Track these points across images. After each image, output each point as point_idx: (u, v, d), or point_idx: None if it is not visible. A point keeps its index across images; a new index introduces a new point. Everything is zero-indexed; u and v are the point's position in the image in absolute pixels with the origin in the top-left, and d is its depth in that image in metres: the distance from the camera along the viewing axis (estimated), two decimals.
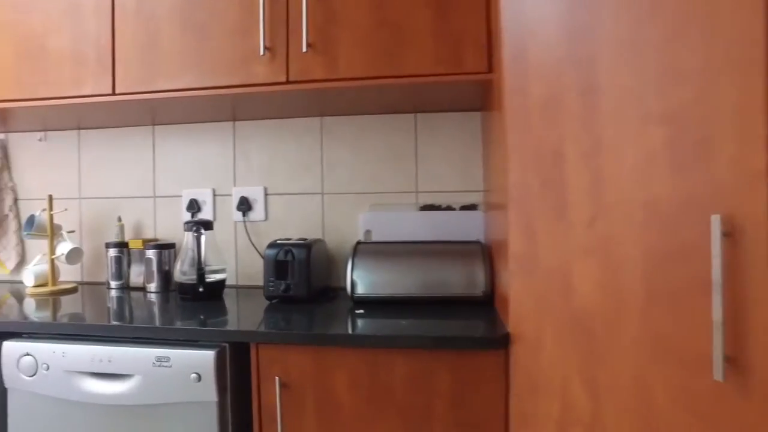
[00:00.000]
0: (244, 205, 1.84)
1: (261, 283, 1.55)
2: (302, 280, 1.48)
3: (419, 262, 1.44)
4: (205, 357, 1.16)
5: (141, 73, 1.48)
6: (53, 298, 1.67)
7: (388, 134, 1.74)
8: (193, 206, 1.88)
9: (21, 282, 1.91)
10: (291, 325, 1.22)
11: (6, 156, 2.08)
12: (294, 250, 1.49)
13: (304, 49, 1.35)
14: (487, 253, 1.43)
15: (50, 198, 1.78)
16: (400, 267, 1.44)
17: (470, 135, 1.71)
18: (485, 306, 1.37)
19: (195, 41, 1.44)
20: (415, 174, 1.74)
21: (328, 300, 1.53)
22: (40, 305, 1.54)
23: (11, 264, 2.04)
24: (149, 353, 1.19)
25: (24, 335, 1.33)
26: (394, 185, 1.75)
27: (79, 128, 1.99)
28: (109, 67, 1.50)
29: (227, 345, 1.20)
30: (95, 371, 1.22)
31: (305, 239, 1.59)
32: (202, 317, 1.32)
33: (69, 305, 1.53)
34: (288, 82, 1.39)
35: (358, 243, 1.53)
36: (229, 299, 1.58)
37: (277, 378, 1.16)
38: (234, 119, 1.83)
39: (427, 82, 1.33)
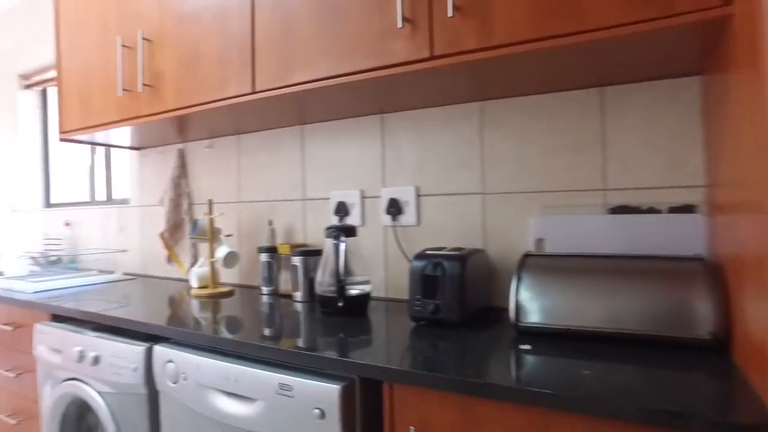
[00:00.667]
0: (394, 208, 1.64)
1: None
2: (454, 300, 1.21)
3: (610, 284, 1.06)
4: (329, 391, 0.96)
5: (278, 68, 1.37)
6: (212, 300, 1.68)
7: (564, 117, 1.37)
8: (341, 209, 1.74)
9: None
10: (435, 362, 0.95)
11: (183, 164, 2.21)
12: (445, 264, 1.23)
13: (450, 14, 1.08)
14: (716, 275, 0.98)
15: (210, 202, 1.81)
16: (583, 289, 1.08)
17: (682, 110, 1.24)
18: (713, 355, 0.94)
19: (329, 24, 1.27)
20: (601, 166, 1.34)
21: (487, 325, 1.24)
22: (192, 308, 1.53)
23: (187, 265, 2.16)
24: (273, 378, 1.04)
25: (171, 340, 1.31)
26: (574, 181, 1.37)
27: (238, 133, 2.01)
28: (249, 65, 1.43)
29: (357, 379, 0.99)
30: (223, 389, 1.12)
31: (461, 249, 1.31)
32: (336, 337, 1.14)
33: (215, 310, 1.50)
34: (432, 57, 1.13)
35: (527, 255, 1.21)
36: (374, 315, 1.39)
37: (412, 429, 0.91)
38: (381, 111, 1.64)
39: (617, 36, 0.95)
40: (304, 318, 1.39)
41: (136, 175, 2.46)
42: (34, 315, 1.79)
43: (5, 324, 1.93)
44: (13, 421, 1.90)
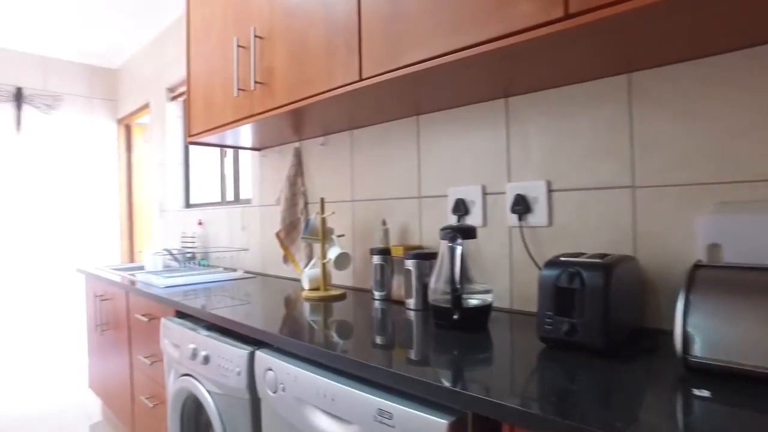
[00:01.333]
0: (521, 206, 1.41)
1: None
2: (596, 319, 0.96)
3: None
4: (435, 427, 0.79)
5: (386, 50, 1.23)
6: (322, 304, 1.60)
7: (746, 81, 1.04)
8: (460, 208, 1.56)
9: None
10: (571, 403, 0.73)
11: (299, 162, 2.20)
12: (584, 273, 0.99)
13: None
14: None
15: (322, 201, 1.74)
16: None
17: None
18: None
19: None
20: None
21: (640, 354, 0.97)
22: (300, 311, 1.46)
23: (302, 265, 2.13)
24: (372, 402, 0.90)
25: (273, 346, 1.24)
26: (760, 169, 1.03)
27: (351, 128, 1.92)
28: (356, 51, 1.31)
29: (470, 414, 0.80)
30: (319, 406, 1.01)
31: (604, 256, 1.06)
32: (448, 357, 0.96)
33: (323, 315, 1.41)
34: (567, 16, 0.90)
35: (697, 266, 0.92)
36: (496, 330, 1.18)
37: None
38: (505, 94, 1.42)
39: None
40: (415, 330, 1.23)
41: (256, 175, 2.51)
42: (162, 309, 1.88)
43: (143, 315, 2.06)
44: (150, 404, 2.02)
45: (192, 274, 2.26)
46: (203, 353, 1.39)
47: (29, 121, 3.87)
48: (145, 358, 2.07)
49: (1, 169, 3.75)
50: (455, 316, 1.18)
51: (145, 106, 3.78)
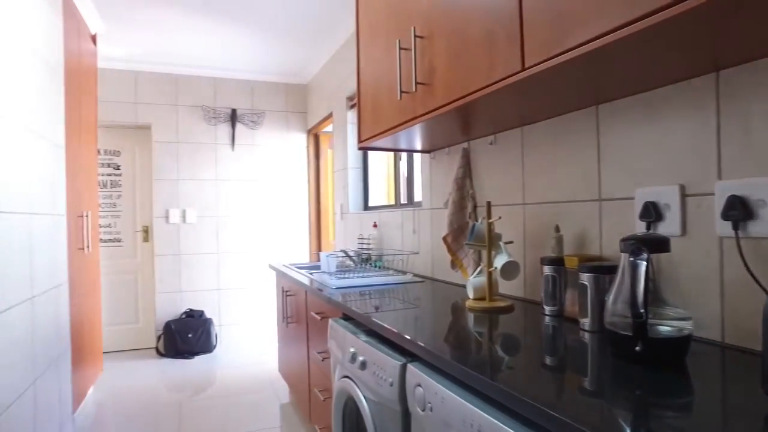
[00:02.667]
0: (737, 211, 1.10)
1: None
2: None
3: None
4: None
5: (549, 34, 1.06)
6: (486, 315, 1.49)
7: None
8: (650, 213, 1.29)
9: None
10: None
11: (468, 164, 2.10)
12: None
13: None
14: None
15: (488, 205, 1.62)
16: None
17: None
18: None
19: None
20: None
21: None
22: (461, 322, 1.37)
23: (470, 271, 2.03)
24: None
25: (425, 360, 1.17)
26: None
27: (522, 125, 1.76)
28: (517, 39, 1.17)
29: None
30: None
31: None
32: (627, 402, 0.77)
33: (486, 328, 1.29)
34: None
35: None
36: (697, 370, 0.93)
37: None
38: (716, 67, 1.12)
39: None
40: (589, 358, 1.04)
41: (426, 178, 2.49)
42: (331, 309, 1.96)
43: (317, 313, 2.19)
44: (321, 397, 2.14)
45: (362, 276, 2.34)
46: (361, 358, 1.40)
47: (240, 137, 4.50)
48: (318, 353, 2.19)
49: (221, 180, 4.42)
50: (638, 348, 0.96)
51: (329, 116, 4.09)
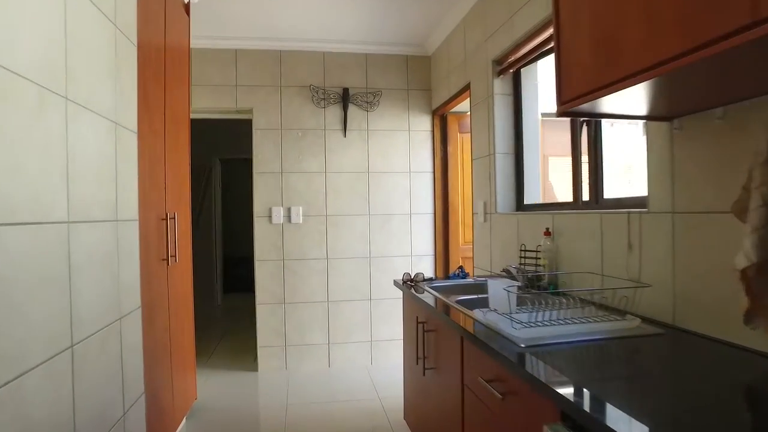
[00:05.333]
0: None
1: None
2: None
3: None
4: None
5: None
6: None
7: None
8: None
9: None
10: None
11: None
12: None
13: None
14: None
15: None
16: None
17: None
18: None
19: None
20: None
21: None
22: None
23: None
24: None
25: None
26: None
27: None
28: None
29: None
30: None
31: None
32: None
33: None
34: None
35: None
36: None
37: None
38: None
39: None
40: None
41: (660, 161, 1.52)
42: (524, 389, 1.09)
43: (489, 381, 1.33)
44: None
45: (559, 322, 1.43)
46: None
47: (353, 120, 3.78)
48: None
49: (331, 172, 3.74)
50: None
51: (464, 90, 3.21)
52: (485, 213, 2.87)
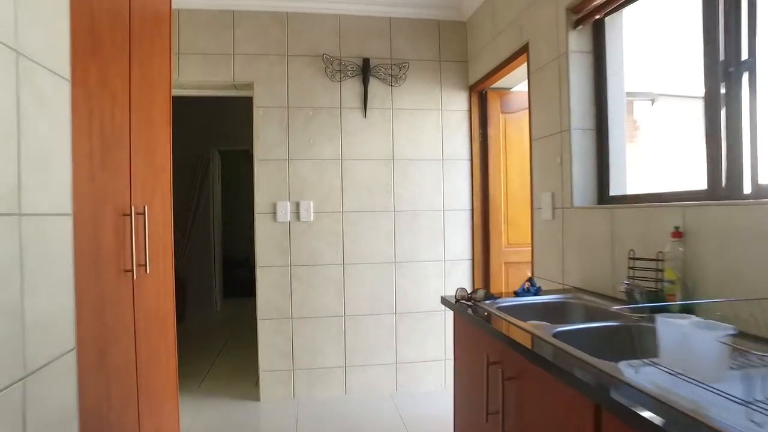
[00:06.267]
0: None
1: None
2: None
3: None
4: None
5: None
6: None
7: None
8: None
9: None
10: None
11: None
12: None
13: None
14: None
15: None
16: None
17: None
18: None
19: None
20: None
21: None
22: None
23: None
24: None
25: None
26: None
27: None
28: None
29: None
30: None
31: None
32: None
33: None
34: None
35: None
36: None
37: None
38: None
39: None
40: None
41: None
42: None
43: None
44: None
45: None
46: None
47: (375, 98, 3.14)
48: None
49: (348, 159, 3.10)
50: None
51: (516, 56, 2.56)
52: (553, 208, 2.22)
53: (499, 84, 3.16)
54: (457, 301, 1.79)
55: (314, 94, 3.08)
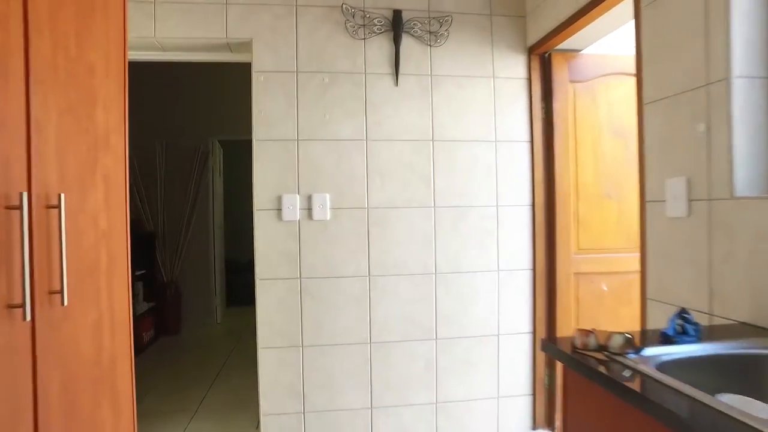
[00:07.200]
0: None
1: None
2: None
3: None
4: None
5: None
6: None
7: None
8: None
9: None
10: None
11: None
12: None
13: None
14: None
15: None
16: None
17: None
18: None
19: None
20: None
21: None
22: None
23: None
24: None
25: None
26: None
27: None
28: None
29: None
30: None
31: None
32: None
33: None
34: None
35: None
36: None
37: None
38: None
39: None
40: None
41: None
42: None
43: None
44: None
45: None
46: None
47: (408, 61, 2.45)
48: None
49: (375, 140, 2.41)
50: None
51: (594, 4, 1.85)
52: (689, 200, 1.50)
53: (565, 45, 2.46)
54: (576, 350, 1.09)
55: (331, 55, 2.39)
